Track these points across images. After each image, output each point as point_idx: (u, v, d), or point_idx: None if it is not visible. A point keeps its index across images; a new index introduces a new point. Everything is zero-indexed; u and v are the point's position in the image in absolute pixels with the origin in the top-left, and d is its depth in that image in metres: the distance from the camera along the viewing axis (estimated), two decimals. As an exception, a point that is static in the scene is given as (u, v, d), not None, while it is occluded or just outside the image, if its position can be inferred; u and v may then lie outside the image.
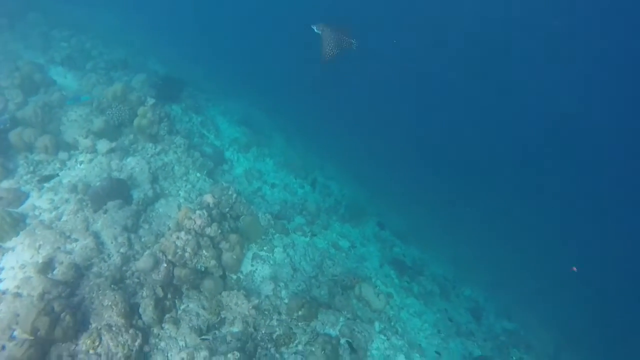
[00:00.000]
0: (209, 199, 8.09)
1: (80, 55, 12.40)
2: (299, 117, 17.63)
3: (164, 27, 18.84)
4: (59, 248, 6.96)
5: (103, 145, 9.11)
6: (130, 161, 9.10)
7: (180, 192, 8.89)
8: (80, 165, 8.92)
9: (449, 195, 18.16)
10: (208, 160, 10.01)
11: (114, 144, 9.13)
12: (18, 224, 7.31)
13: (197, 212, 7.49)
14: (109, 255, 6.99)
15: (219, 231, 7.53)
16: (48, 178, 8.47)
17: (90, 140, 9.17)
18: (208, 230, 7.41)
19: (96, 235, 7.26)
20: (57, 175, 8.52)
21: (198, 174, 9.52)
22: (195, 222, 7.34)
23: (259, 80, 18.70)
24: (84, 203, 7.84)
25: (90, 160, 8.96)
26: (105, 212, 7.70)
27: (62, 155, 9.01)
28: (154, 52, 15.96)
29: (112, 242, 7.17)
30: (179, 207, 8.36)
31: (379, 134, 19.49)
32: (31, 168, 8.69)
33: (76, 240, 7.20)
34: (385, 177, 17.01)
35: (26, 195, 8.12)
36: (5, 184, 8.30)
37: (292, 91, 19.45)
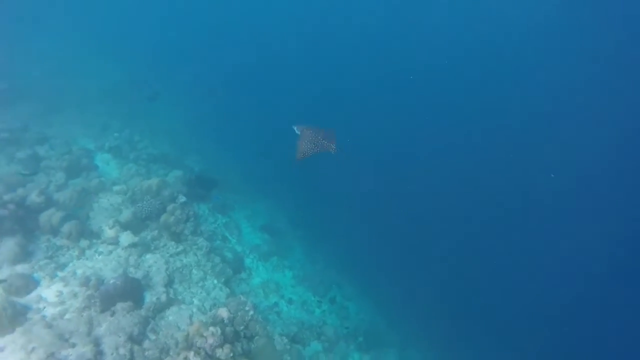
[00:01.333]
0: (224, 313, 7.43)
1: (127, 146, 13.11)
2: (321, 225, 17.36)
3: (210, 124, 20.07)
4: (52, 354, 6.23)
5: (126, 238, 8.91)
6: (149, 258, 8.75)
7: (194, 299, 8.29)
8: (99, 256, 8.61)
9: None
10: (227, 267, 9.56)
11: (137, 239, 8.92)
12: (18, 317, 6.73)
13: (211, 328, 6.80)
14: (104, 370, 6.18)
15: (231, 354, 6.71)
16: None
17: (115, 231, 9.01)
18: (219, 352, 6.60)
19: (97, 342, 6.55)
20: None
21: (215, 281, 8.99)
22: (206, 341, 6.60)
23: (285, 184, 18.96)
24: (93, 300, 7.30)
25: (110, 252, 8.66)
26: (113, 314, 7.10)
27: (83, 243, 8.77)
28: (195, 146, 16.83)
29: (112, 354, 6.41)
30: (191, 317, 7.69)
31: (398, 250, 18.75)
32: (50, 253, 8.42)
33: (74, 345, 6.49)
34: (404, 298, 15.87)
35: (36, 284, 7.69)
36: (20, 267, 7.96)
37: (315, 198, 19.50)
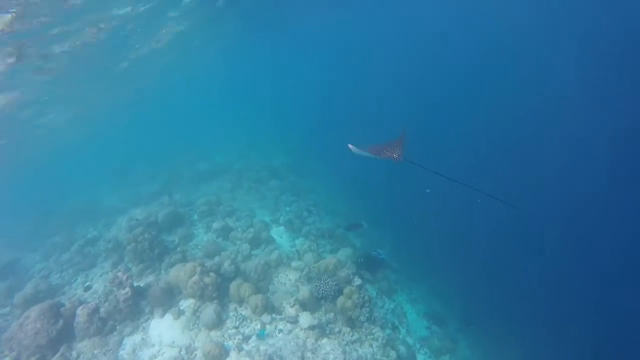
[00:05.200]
0: None
1: (298, 221, 13.88)
2: (485, 316, 14.70)
3: (366, 202, 20.32)
4: None
5: (305, 319, 8.77)
6: (325, 344, 8.32)
7: (372, 402, 7.34)
8: (279, 334, 8.59)
9: None
10: (404, 366, 8.45)
11: (315, 321, 8.67)
12: (214, 390, 6.87)
13: None
14: None
15: None
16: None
17: (295, 310, 9.00)
18: None
19: None
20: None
21: (393, 382, 7.93)
22: None
23: (442, 265, 17.12)
24: (276, 384, 7.06)
25: (289, 332, 8.58)
26: (296, 406, 6.65)
27: (265, 317, 8.95)
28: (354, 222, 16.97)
29: None
30: None
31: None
32: (237, 323, 8.79)
33: None
34: None
35: (227, 353, 7.94)
36: (214, 334, 8.45)
37: (474, 282, 16.95)
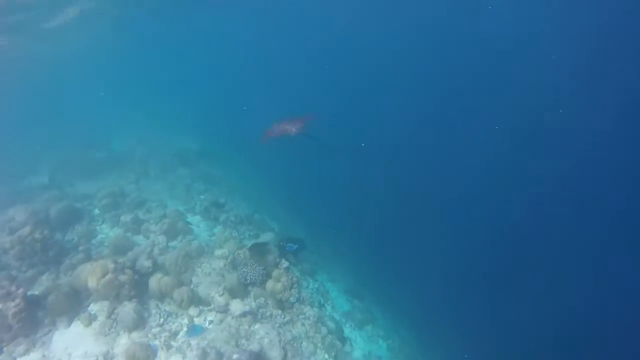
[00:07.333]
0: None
1: (214, 208, 13.32)
2: (390, 287, 16.11)
3: (280, 187, 20.31)
4: None
5: (236, 306, 8.59)
6: (259, 329, 8.28)
7: (310, 378, 7.61)
8: (209, 325, 8.28)
9: None
10: (335, 339, 8.89)
11: (247, 307, 8.56)
12: (145, 393, 6.38)
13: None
14: None
15: None
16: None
17: (225, 298, 8.74)
18: None
19: None
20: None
21: (326, 356, 8.31)
22: None
23: (361, 246, 18.08)
24: (214, 377, 6.85)
25: (220, 321, 8.32)
26: (237, 394, 6.56)
27: (193, 310, 8.54)
28: (268, 209, 16.91)
29: None
30: (313, 400, 6.98)
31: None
32: (161, 320, 8.23)
33: None
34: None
35: (154, 353, 7.40)
36: (136, 335, 7.78)
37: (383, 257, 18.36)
